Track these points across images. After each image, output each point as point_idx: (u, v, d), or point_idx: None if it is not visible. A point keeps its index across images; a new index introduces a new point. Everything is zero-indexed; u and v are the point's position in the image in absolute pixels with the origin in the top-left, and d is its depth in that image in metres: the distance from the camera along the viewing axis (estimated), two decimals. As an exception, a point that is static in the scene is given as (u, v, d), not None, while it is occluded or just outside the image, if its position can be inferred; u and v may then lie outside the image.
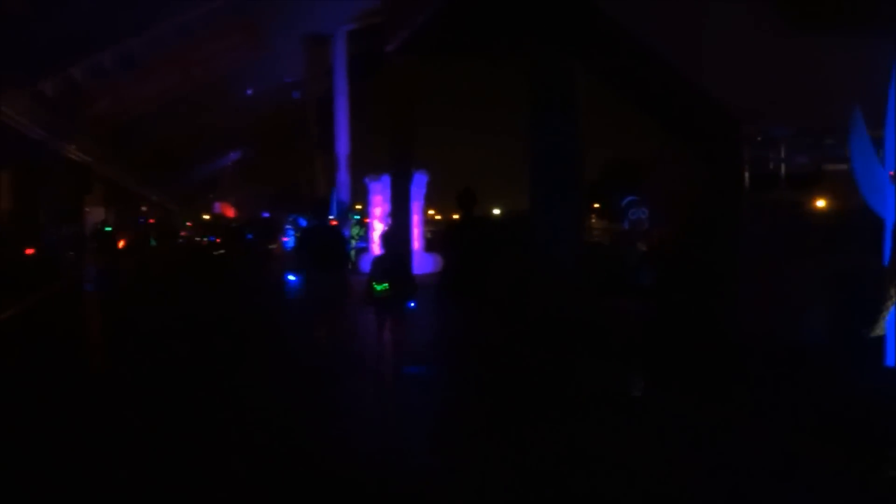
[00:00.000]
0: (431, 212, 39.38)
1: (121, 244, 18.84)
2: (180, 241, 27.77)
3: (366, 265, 21.27)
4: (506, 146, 39.39)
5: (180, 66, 24.44)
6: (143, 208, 43.44)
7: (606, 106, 13.81)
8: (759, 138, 8.38)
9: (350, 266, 22.48)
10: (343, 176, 25.34)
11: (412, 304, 9.11)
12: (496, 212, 41.85)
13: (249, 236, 19.71)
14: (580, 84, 10.91)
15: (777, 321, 7.75)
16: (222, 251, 19.29)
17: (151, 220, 35.46)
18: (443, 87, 27.73)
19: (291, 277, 10.51)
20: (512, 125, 37.06)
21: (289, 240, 25.43)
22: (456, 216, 9.45)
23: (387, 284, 8.79)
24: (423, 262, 19.06)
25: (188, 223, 41.77)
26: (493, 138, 37.03)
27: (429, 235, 25.13)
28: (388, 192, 19.61)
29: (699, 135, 9.29)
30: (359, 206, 25.72)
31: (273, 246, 20.15)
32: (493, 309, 9.71)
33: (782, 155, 8.29)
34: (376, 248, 19.56)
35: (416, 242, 19.09)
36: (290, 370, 9.14)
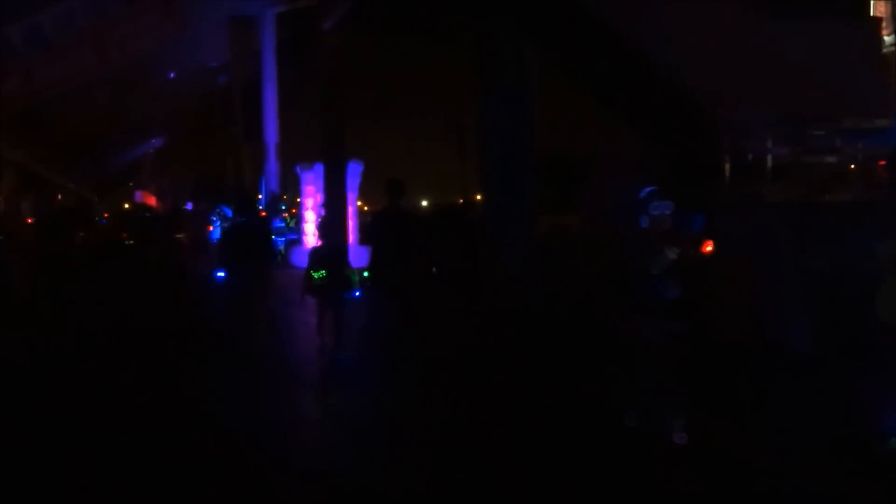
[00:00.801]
0: (359, 203, 38.37)
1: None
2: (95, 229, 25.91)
3: (297, 258, 20.31)
4: (437, 137, 38.60)
5: (95, 45, 22.94)
6: (59, 197, 41.37)
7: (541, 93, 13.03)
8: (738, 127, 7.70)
9: (279, 259, 21.47)
10: (272, 165, 24.23)
11: (356, 294, 9.09)
12: (424, 203, 41.10)
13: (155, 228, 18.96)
14: (533, 66, 10.11)
15: (773, 326, 7.06)
16: (131, 242, 18.28)
17: (55, 207, 33.32)
18: (375, 76, 26.83)
19: (221, 274, 10.04)
20: (445, 116, 36.33)
21: (214, 231, 24.20)
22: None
23: (324, 272, 8.70)
24: (358, 255, 18.10)
25: (105, 213, 39.81)
26: (423, 130, 36.12)
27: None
28: (320, 181, 18.65)
29: (664, 123, 8.59)
30: (285, 197, 24.54)
31: (180, 236, 19.17)
32: (431, 303, 9.70)
33: (769, 146, 7.63)
34: (311, 240, 18.61)
35: (351, 235, 18.11)
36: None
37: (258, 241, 9.31)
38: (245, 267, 8.99)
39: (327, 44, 15.54)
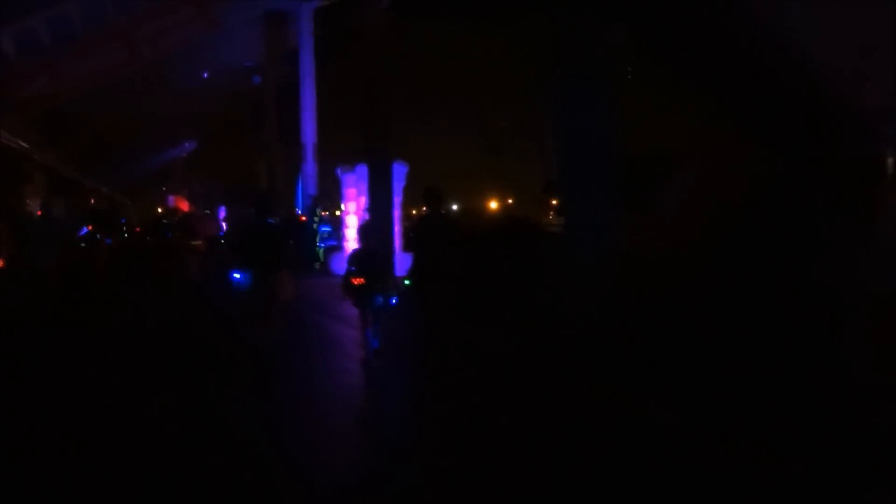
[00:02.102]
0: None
1: None
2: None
3: (337, 265, 19.21)
4: (472, 140, 37.63)
5: (125, 43, 21.98)
6: (92, 201, 40.77)
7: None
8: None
9: (318, 266, 20.41)
10: (310, 167, 23.14)
11: (394, 301, 8.88)
12: (454, 207, 40.02)
13: (168, 234, 18.35)
14: (614, 51, 8.84)
15: None
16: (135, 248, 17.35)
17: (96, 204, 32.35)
18: (413, 74, 25.73)
19: (237, 276, 9.82)
20: (482, 118, 35.19)
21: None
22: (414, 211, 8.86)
23: (363, 279, 8.55)
24: (404, 263, 16.94)
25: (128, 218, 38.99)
26: (459, 131, 35.10)
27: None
28: (363, 184, 17.51)
29: (780, 112, 7.27)
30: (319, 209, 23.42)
31: (197, 243, 18.35)
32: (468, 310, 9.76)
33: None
34: (352, 244, 17.51)
35: (397, 240, 16.92)
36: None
37: (277, 243, 9.13)
38: (263, 269, 8.82)
39: (372, 33, 14.39)
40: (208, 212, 34.18)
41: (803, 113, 7.53)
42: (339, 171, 19.58)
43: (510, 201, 49.32)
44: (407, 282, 9.01)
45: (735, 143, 9.23)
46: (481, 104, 32.76)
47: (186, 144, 45.32)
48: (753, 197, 8.74)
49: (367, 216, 16.42)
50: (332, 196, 23.33)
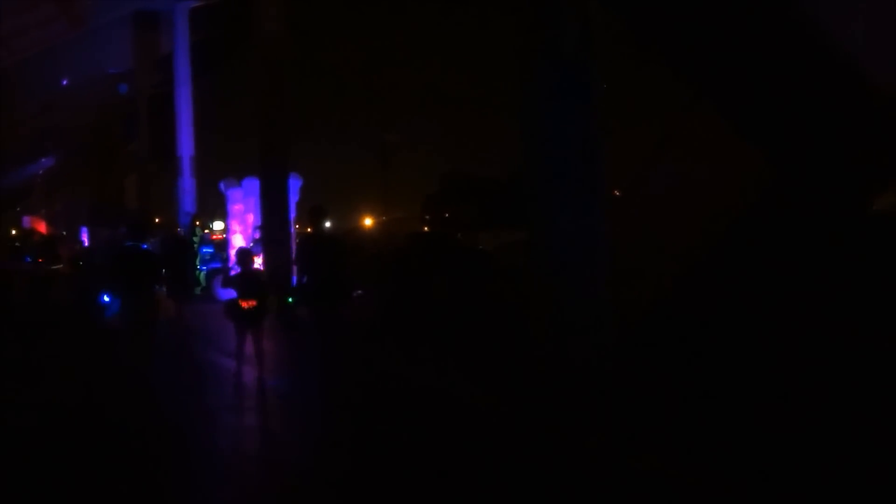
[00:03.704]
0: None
1: None
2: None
3: (223, 290, 17.43)
4: (358, 155, 36.72)
5: (-25, 42, 19.60)
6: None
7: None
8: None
9: (199, 290, 18.56)
10: (187, 182, 21.19)
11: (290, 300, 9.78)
12: (327, 225, 38.50)
13: (27, 259, 16.90)
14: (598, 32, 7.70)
15: None
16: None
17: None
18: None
19: (106, 299, 9.96)
20: (368, 132, 34.11)
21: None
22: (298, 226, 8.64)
23: (255, 301, 8.62)
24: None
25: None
26: (345, 146, 34.00)
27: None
28: (251, 199, 15.85)
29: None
30: (198, 223, 21.41)
31: (58, 266, 16.82)
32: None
33: None
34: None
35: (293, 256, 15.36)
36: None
37: (150, 266, 9.08)
38: (133, 293, 8.72)
39: (269, 33, 12.83)
40: (64, 233, 31.61)
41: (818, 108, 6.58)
42: (223, 185, 17.78)
43: (384, 218, 48.82)
44: (290, 299, 9.42)
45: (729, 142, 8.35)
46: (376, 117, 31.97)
47: (45, 160, 42.14)
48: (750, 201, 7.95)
49: (257, 234, 14.78)
50: (214, 213, 21.45)
